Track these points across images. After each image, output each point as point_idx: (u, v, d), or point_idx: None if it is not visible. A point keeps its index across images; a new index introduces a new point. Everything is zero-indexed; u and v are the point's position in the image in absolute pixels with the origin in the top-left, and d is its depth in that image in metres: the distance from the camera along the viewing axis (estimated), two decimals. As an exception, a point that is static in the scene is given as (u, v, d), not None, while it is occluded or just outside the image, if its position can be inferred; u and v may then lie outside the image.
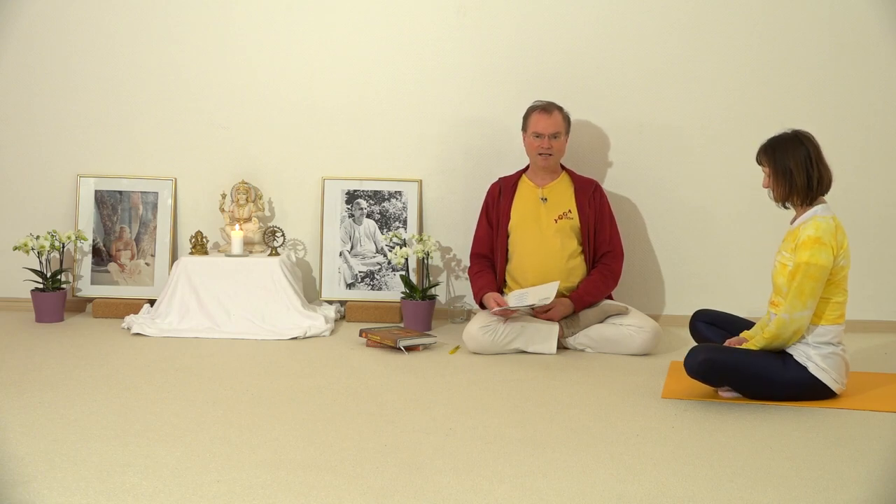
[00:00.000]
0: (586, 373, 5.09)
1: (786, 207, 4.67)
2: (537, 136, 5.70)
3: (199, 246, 6.17)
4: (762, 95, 6.16)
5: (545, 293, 5.46)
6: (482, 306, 5.69)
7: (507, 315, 5.47)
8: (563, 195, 5.79)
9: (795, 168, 4.50)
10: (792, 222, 4.64)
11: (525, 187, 5.82)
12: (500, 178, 5.92)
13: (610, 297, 5.79)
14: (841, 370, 4.53)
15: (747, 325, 4.95)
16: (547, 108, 5.73)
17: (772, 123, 6.07)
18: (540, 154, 5.72)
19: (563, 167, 5.88)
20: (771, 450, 3.87)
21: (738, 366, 4.49)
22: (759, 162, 4.66)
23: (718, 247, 6.25)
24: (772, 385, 4.50)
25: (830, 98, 6.13)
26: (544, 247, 5.69)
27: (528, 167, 5.89)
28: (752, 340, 4.63)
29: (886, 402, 4.53)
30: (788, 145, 4.55)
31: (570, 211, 5.74)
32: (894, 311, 6.17)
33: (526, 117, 5.78)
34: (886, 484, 3.53)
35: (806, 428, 4.16)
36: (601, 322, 5.56)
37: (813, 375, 4.48)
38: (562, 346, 5.55)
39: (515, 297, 5.52)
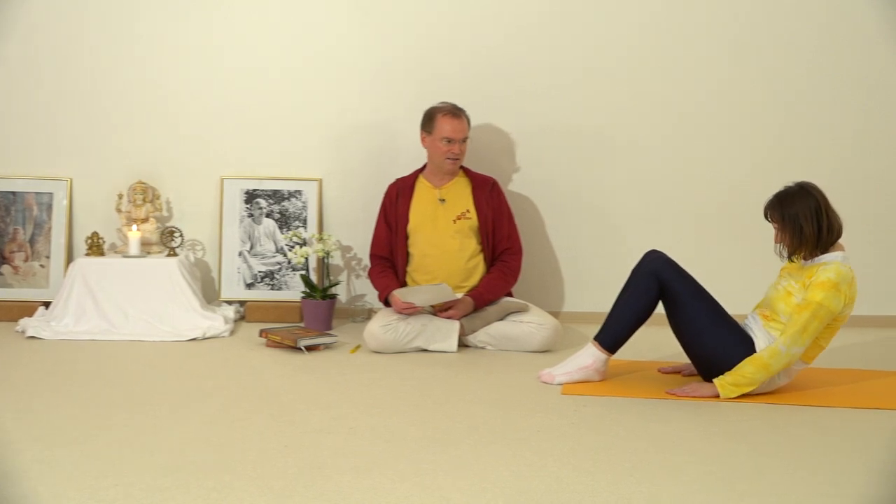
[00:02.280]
0: (487, 370, 5.12)
1: (791, 261, 4.70)
2: (448, 142, 5.70)
3: (96, 247, 6.08)
4: (662, 98, 6.25)
5: (442, 294, 5.48)
6: (387, 304, 5.68)
7: (413, 312, 5.47)
8: (460, 195, 5.80)
9: (804, 219, 4.51)
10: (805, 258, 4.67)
11: (423, 188, 5.82)
12: (397, 180, 5.91)
13: (510, 295, 5.82)
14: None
15: None
16: (455, 112, 5.72)
17: (670, 125, 6.20)
18: (449, 159, 5.72)
19: (460, 167, 5.89)
20: (671, 444, 3.92)
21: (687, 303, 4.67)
22: (768, 218, 4.64)
23: (617, 244, 6.32)
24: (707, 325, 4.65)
25: (727, 97, 6.24)
26: (444, 248, 5.71)
27: (424, 167, 5.88)
28: (727, 375, 4.58)
29: (781, 396, 4.62)
30: (796, 197, 4.55)
31: (468, 211, 5.76)
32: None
33: (431, 119, 5.76)
34: (782, 475, 3.60)
35: (704, 423, 4.22)
36: (501, 320, 5.59)
37: (752, 343, 4.60)
38: (462, 344, 5.57)
39: (409, 293, 5.52)
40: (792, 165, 6.01)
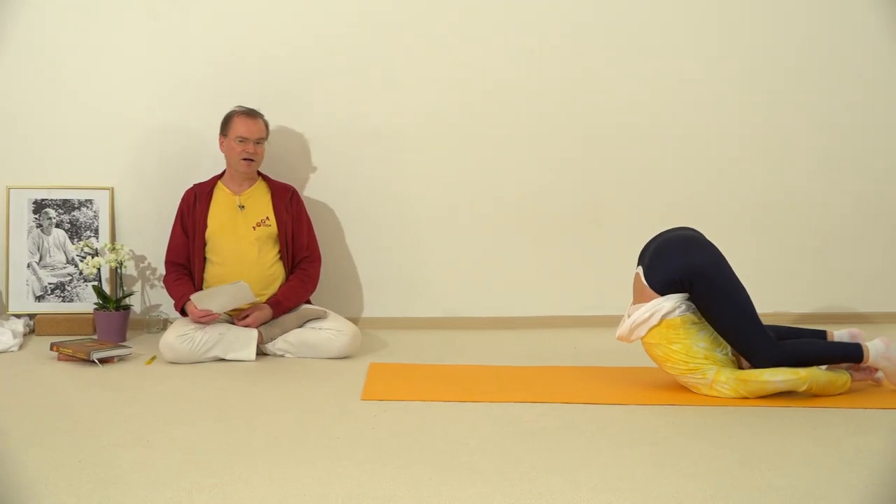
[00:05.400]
0: (287, 378, 5.09)
1: None
2: (241, 141, 5.66)
3: None
4: (462, 100, 6.32)
5: (240, 294, 5.43)
6: (183, 313, 5.60)
7: (211, 320, 5.40)
8: (260, 202, 5.77)
9: None
10: None
11: (221, 194, 5.76)
12: (194, 185, 5.84)
13: (308, 302, 5.81)
14: None
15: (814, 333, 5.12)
16: (251, 113, 5.71)
17: (468, 127, 6.28)
18: (244, 159, 5.68)
19: (259, 174, 5.86)
20: (468, 446, 3.97)
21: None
22: None
23: (414, 249, 6.38)
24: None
25: (521, 105, 6.37)
26: (243, 255, 5.66)
27: (223, 173, 5.83)
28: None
29: (566, 393, 4.75)
30: None
31: (267, 218, 5.73)
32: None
33: (227, 121, 5.72)
34: (572, 473, 3.69)
35: (501, 423, 4.29)
36: (300, 327, 5.57)
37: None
38: (261, 353, 5.53)
39: (207, 297, 5.45)
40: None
